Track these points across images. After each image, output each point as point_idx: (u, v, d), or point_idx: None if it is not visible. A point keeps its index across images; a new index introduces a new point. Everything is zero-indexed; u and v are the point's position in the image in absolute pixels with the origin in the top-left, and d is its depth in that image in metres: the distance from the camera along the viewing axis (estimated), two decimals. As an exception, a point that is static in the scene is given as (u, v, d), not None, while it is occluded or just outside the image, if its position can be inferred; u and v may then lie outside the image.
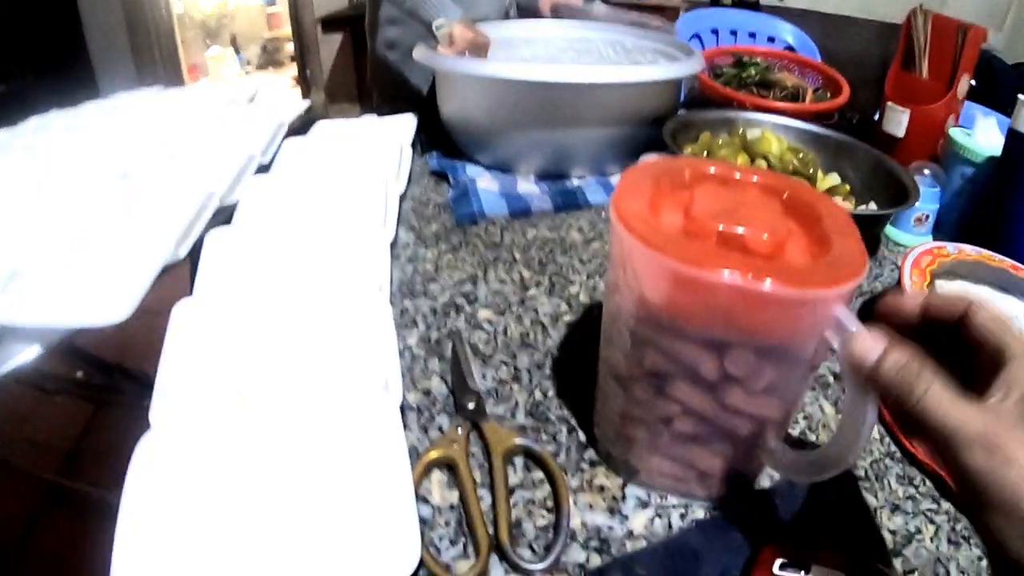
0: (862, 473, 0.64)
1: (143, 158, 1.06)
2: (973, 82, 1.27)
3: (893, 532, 0.59)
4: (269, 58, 5.68)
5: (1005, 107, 1.11)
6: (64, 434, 1.73)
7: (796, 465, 0.53)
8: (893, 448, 0.67)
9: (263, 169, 1.09)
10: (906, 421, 0.41)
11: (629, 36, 1.47)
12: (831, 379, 0.75)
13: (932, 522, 0.60)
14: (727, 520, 0.58)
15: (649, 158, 0.61)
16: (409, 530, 0.51)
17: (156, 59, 4.05)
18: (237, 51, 5.53)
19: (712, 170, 0.60)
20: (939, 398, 0.40)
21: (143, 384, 0.65)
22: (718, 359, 0.49)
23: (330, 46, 4.41)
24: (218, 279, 0.79)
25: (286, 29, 4.99)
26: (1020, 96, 0.96)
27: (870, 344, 0.43)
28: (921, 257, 0.86)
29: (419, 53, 1.19)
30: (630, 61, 1.42)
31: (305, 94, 4.30)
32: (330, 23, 4.39)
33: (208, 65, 5.31)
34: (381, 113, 1.39)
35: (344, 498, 0.55)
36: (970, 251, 0.89)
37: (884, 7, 3.11)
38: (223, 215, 0.94)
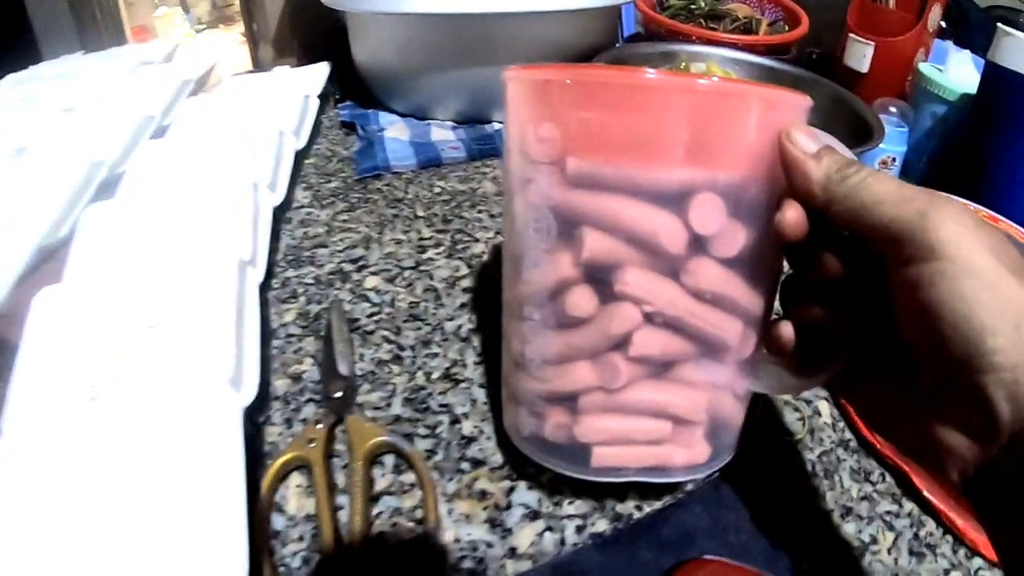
0: (809, 468, 0.55)
1: (43, 129, 0.94)
2: (943, 23, 1.19)
3: (844, 542, 0.50)
4: (219, 14, 5.51)
5: (978, 52, 1.02)
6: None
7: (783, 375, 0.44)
8: (848, 436, 0.58)
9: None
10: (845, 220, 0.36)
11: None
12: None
13: (891, 528, 0.51)
14: (634, 534, 0.48)
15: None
16: (234, 552, 0.42)
17: (98, 22, 3.91)
18: (186, 9, 5.37)
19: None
20: (881, 174, 0.36)
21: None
22: (679, 218, 0.38)
23: None
24: (88, 263, 0.69)
25: (235, -17, 4.81)
26: (1000, 25, 0.87)
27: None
28: None
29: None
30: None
31: (253, 50, 4.15)
32: None
33: (156, 26, 5.15)
34: (310, 62, 1.28)
35: (173, 516, 0.45)
36: None
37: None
38: (117, 183, 0.82)
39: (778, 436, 0.57)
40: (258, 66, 1.30)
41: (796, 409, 0.59)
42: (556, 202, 0.40)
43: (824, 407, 0.60)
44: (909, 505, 0.54)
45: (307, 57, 1.34)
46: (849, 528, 0.51)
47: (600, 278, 0.40)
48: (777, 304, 0.44)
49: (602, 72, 0.39)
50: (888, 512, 0.53)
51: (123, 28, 4.14)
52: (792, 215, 0.37)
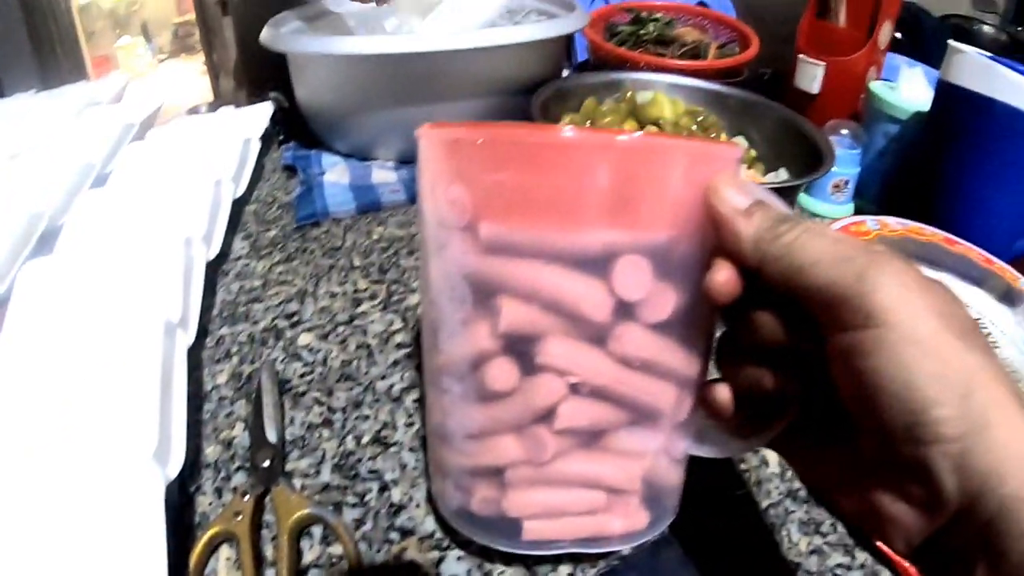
0: (755, 522, 0.53)
1: None
2: (899, 35, 1.19)
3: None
4: (181, 44, 5.48)
5: (934, 62, 1.00)
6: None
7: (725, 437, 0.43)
8: (796, 485, 0.56)
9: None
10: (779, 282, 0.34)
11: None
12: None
13: None
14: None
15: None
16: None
17: (58, 55, 3.88)
18: (148, 39, 5.34)
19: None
20: (817, 230, 0.34)
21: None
22: (603, 283, 0.36)
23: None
24: (24, 324, 0.67)
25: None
26: (950, 42, 0.86)
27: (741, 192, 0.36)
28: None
29: (265, 35, 1.06)
30: (511, 23, 1.30)
31: (214, 80, 4.12)
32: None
33: (118, 57, 5.12)
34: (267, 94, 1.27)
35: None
36: (894, 225, 0.79)
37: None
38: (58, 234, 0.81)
39: (722, 490, 0.55)
40: (219, 96, 1.29)
41: (742, 460, 0.58)
42: (470, 270, 0.38)
43: (772, 457, 0.59)
44: (862, 556, 0.51)
45: (264, 90, 1.33)
46: (799, 584, 0.50)
47: (521, 349, 0.38)
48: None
49: (516, 131, 0.37)
50: (839, 565, 0.50)
51: (83, 60, 4.12)
52: (722, 277, 0.36)
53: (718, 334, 0.41)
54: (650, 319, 0.38)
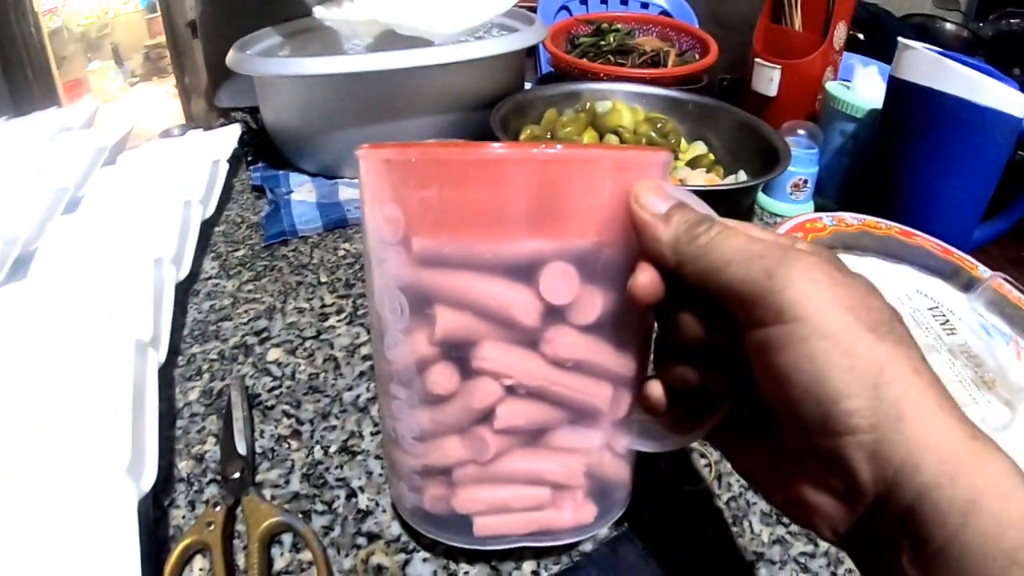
0: (717, 516, 0.55)
1: None
2: (861, 36, 1.21)
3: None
4: (153, 67, 5.47)
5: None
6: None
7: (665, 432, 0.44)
8: None
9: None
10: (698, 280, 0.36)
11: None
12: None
13: (807, 570, 0.51)
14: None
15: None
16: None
17: (29, 79, 3.88)
18: (120, 63, 5.33)
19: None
20: (734, 230, 0.36)
21: None
22: (531, 290, 0.39)
23: None
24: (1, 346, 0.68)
25: (167, 35, 4.76)
26: (900, 39, 0.89)
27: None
28: (789, 233, 0.75)
29: (231, 57, 1.08)
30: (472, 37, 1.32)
31: (186, 103, 4.11)
32: None
33: (90, 80, 5.11)
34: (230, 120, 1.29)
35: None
36: (850, 220, 0.81)
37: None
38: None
39: (683, 485, 0.58)
40: (191, 119, 1.30)
41: (703, 456, 0.60)
42: (406, 282, 0.40)
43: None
44: (825, 544, 0.53)
45: (233, 111, 1.35)
46: (762, 574, 0.51)
47: (459, 355, 0.40)
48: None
49: (442, 149, 0.40)
50: (803, 554, 0.52)
51: (55, 85, 4.11)
52: (644, 279, 0.37)
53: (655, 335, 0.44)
54: (579, 321, 0.40)
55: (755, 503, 0.56)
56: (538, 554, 0.51)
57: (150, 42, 5.44)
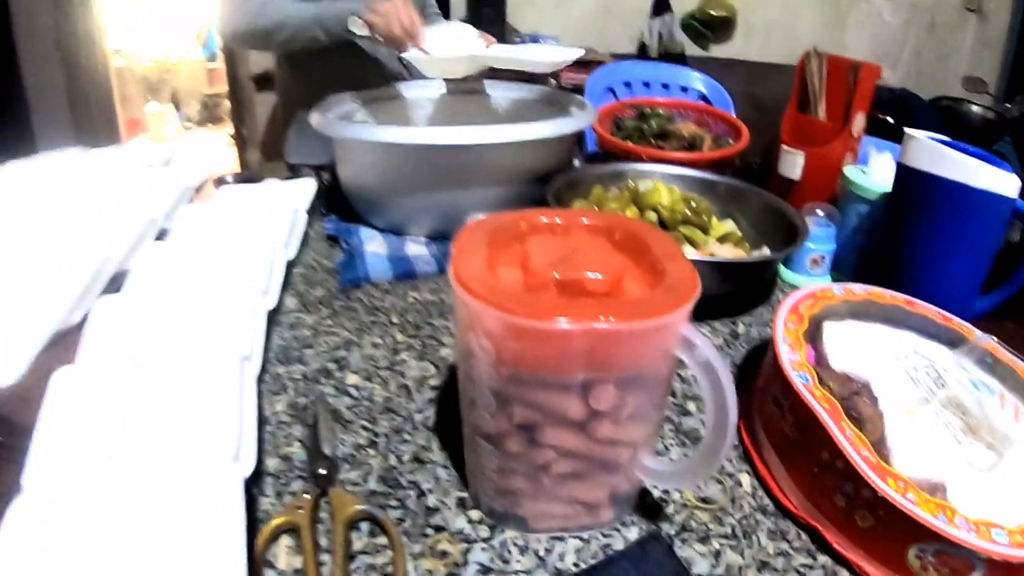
0: (728, 530, 0.65)
1: (53, 221, 1.06)
2: (890, 119, 1.29)
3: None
4: (209, 114, 5.67)
5: None
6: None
7: (674, 473, 0.59)
8: (767, 502, 0.68)
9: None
10: None
11: (524, 92, 1.51)
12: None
13: None
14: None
15: (477, 217, 0.64)
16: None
17: (93, 114, 4.02)
18: (177, 107, 5.52)
19: (543, 219, 0.64)
20: None
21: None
22: (583, 399, 0.52)
23: (265, 104, 4.22)
24: (99, 349, 0.80)
25: (226, 86, 4.93)
26: (906, 130, 0.98)
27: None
28: (801, 301, 0.82)
29: (315, 119, 1.21)
30: (525, 118, 1.44)
31: (241, 152, 4.25)
32: (265, 80, 4.09)
33: (148, 121, 5.30)
34: (298, 175, 1.42)
35: (180, 568, 0.55)
36: (858, 290, 0.85)
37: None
38: (123, 278, 0.94)
39: (702, 503, 0.68)
40: (245, 167, 1.41)
41: (719, 481, 0.70)
42: (495, 389, 0.55)
43: (745, 479, 0.71)
44: (823, 558, 0.62)
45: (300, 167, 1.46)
46: (767, 578, 0.63)
47: (528, 432, 0.56)
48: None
49: (530, 321, 0.50)
50: (803, 565, 0.61)
51: (117, 121, 4.25)
52: None
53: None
54: (614, 418, 0.55)
55: (762, 522, 0.66)
56: (579, 551, 0.62)
57: (208, 91, 5.64)
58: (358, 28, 1.44)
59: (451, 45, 1.49)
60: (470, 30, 1.56)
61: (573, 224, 0.63)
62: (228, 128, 5.03)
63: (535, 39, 3.46)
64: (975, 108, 3.34)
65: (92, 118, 4.01)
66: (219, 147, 5.03)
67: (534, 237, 0.62)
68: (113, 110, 4.27)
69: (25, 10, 3.61)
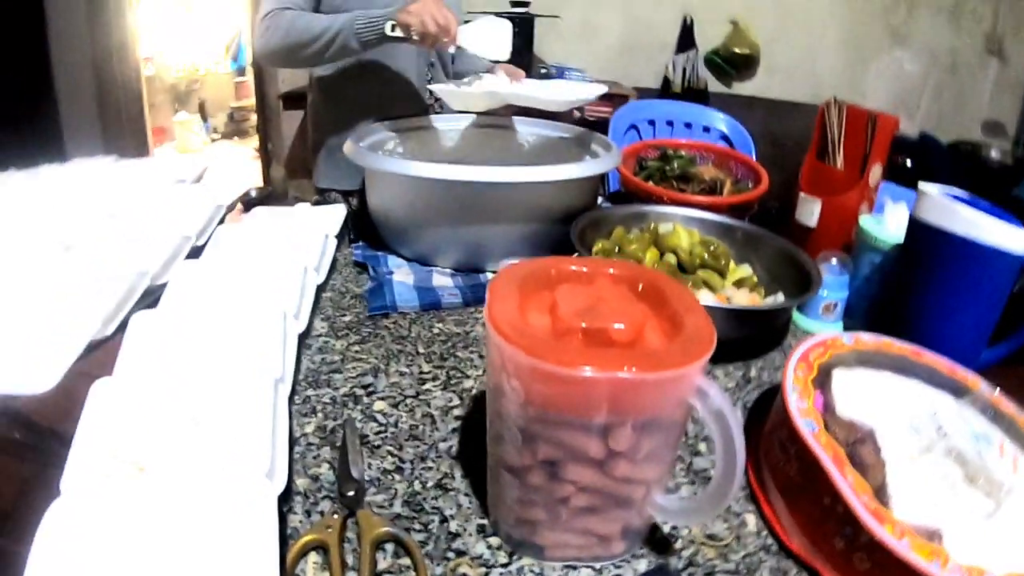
0: (733, 567, 0.68)
1: (88, 231, 1.11)
2: (909, 163, 1.31)
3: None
4: (235, 127, 5.74)
5: (944, 182, 1.09)
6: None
7: (683, 510, 0.63)
8: (770, 542, 0.71)
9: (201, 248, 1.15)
10: None
11: (551, 129, 1.56)
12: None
13: None
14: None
15: (510, 262, 0.69)
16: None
17: (122, 121, 4.07)
18: (204, 118, 5.58)
19: (572, 268, 0.68)
20: None
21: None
22: (602, 440, 0.57)
23: (292, 122, 4.28)
24: (137, 362, 0.83)
25: (253, 100, 4.95)
26: (920, 184, 1.01)
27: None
28: (811, 350, 0.84)
29: (348, 148, 1.25)
30: (551, 155, 1.50)
31: (265, 167, 4.31)
32: (293, 99, 4.14)
33: (175, 130, 5.36)
34: (326, 199, 1.46)
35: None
36: (868, 340, 0.87)
37: (832, 92, 3.19)
38: (157, 292, 0.99)
39: (709, 539, 0.71)
40: (268, 182, 1.45)
41: (726, 520, 0.74)
42: (521, 425, 0.59)
43: (751, 519, 0.74)
44: None
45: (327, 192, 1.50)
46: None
47: (550, 468, 0.60)
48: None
49: (558, 368, 0.53)
50: None
51: (145, 129, 4.31)
52: None
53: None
54: (630, 457, 0.59)
55: (766, 560, 0.69)
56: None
57: (235, 104, 5.71)
58: (392, 31, 1.46)
59: (485, 45, 1.53)
60: (505, 27, 1.56)
61: (599, 273, 0.68)
62: (253, 142, 5.10)
63: (560, 71, 3.51)
64: (994, 153, 3.37)
65: (121, 124, 4.07)
66: (245, 160, 5.09)
67: (562, 285, 0.66)
68: (142, 117, 4.34)
69: (61, 15, 3.68)
